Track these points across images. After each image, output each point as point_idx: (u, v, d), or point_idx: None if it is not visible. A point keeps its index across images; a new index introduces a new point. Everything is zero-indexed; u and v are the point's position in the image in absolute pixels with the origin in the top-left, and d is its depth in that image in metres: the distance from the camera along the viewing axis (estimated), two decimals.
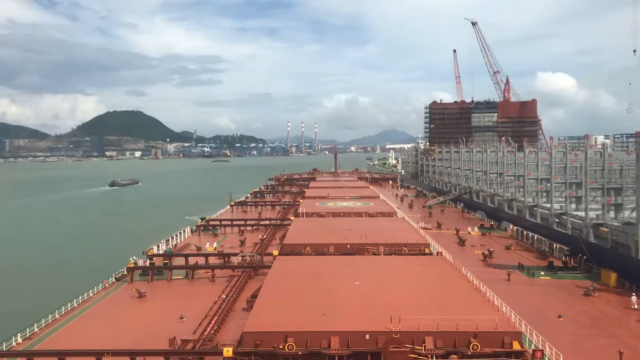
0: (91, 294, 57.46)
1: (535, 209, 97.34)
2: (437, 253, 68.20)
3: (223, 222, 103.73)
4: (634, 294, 53.64)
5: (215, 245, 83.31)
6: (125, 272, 64.35)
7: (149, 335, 43.34)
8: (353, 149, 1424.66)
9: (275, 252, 69.85)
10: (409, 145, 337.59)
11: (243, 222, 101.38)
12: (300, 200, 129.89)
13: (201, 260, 69.65)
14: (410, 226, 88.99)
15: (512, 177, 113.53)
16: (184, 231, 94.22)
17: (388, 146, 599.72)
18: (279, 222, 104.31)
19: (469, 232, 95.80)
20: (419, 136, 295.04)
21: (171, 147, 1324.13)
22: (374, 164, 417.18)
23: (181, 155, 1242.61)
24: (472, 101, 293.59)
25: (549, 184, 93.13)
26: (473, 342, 36.73)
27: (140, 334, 44.31)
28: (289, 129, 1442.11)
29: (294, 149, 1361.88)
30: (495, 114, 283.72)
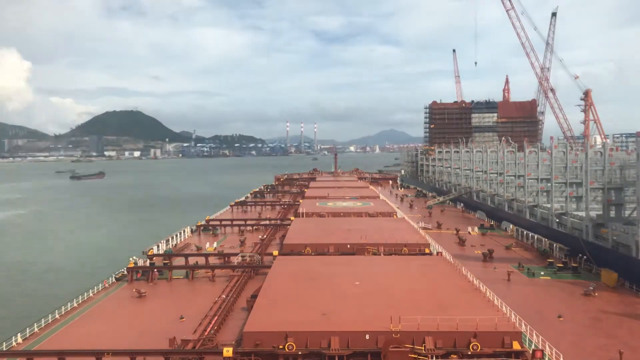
0: (91, 294, 57.34)
1: (536, 208, 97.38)
2: (437, 253, 68.24)
3: (223, 222, 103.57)
4: None
5: (215, 245, 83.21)
6: (125, 272, 64.24)
7: (149, 335, 43.30)
8: (352, 149, 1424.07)
9: (275, 252, 69.84)
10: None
11: (243, 222, 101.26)
12: (300, 200, 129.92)
13: (201, 260, 69.56)
14: (410, 226, 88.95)
15: (512, 177, 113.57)
16: (184, 231, 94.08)
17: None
18: (279, 222, 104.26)
19: (469, 232, 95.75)
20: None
21: (170, 147, 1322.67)
22: None
23: (180, 155, 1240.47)
24: (472, 101, 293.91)
25: (549, 184, 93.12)
26: (473, 342, 36.71)
27: (140, 334, 44.27)
28: (288, 128, 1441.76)
29: (293, 149, 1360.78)
30: (495, 114, 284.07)
